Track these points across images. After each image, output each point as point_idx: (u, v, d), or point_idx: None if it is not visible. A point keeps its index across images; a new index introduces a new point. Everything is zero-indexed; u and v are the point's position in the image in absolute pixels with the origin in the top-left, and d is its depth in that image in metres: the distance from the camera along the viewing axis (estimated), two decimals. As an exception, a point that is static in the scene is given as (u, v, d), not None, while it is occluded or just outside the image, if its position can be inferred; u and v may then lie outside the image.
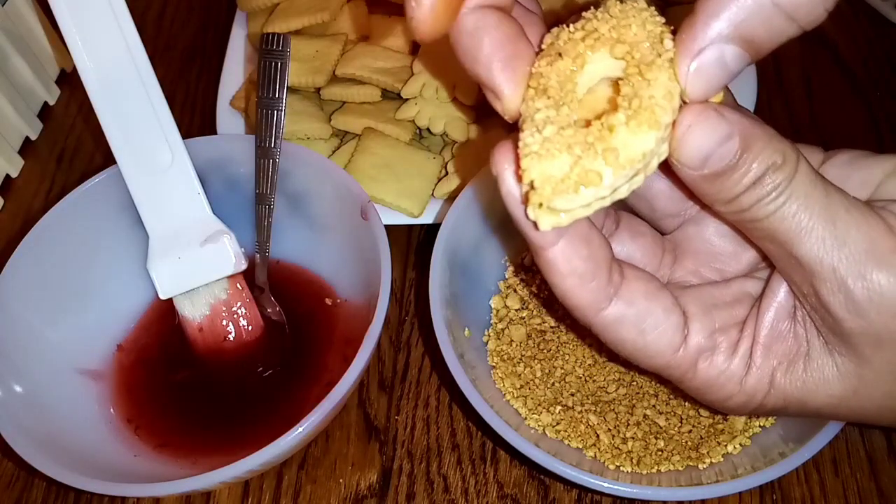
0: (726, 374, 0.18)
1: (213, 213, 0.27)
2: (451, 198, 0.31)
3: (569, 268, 0.17)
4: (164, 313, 0.29)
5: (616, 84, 0.15)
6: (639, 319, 0.18)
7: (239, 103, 0.34)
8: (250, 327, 0.28)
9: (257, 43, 0.38)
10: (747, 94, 0.34)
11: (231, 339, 0.28)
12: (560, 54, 0.15)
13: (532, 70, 0.16)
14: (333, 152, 0.33)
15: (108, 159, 0.26)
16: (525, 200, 0.15)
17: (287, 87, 0.27)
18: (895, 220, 0.16)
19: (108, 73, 0.25)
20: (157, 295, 0.27)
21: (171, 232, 0.27)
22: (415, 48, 0.35)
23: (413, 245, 0.33)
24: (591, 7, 0.16)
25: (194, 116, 0.38)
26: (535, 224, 0.15)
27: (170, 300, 0.27)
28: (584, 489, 0.26)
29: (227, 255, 0.27)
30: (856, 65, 0.39)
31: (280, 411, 0.27)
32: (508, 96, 0.16)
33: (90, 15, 0.24)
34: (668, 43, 0.15)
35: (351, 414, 0.28)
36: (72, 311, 0.28)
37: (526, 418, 0.25)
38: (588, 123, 0.15)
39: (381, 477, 0.27)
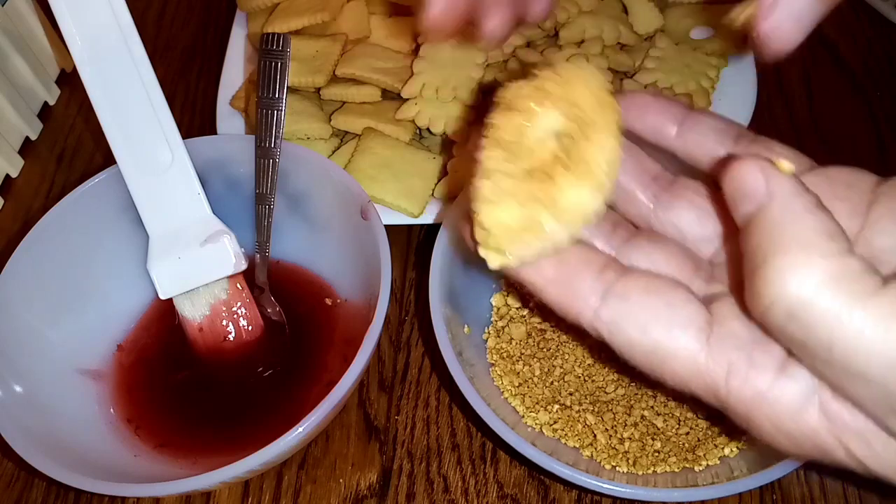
0: (770, 400, 0.14)
1: (213, 213, 0.27)
2: (452, 198, 0.31)
3: (541, 278, 0.16)
4: (164, 313, 0.29)
5: (563, 138, 0.17)
6: (637, 315, 0.15)
7: (239, 103, 0.34)
8: (250, 327, 0.28)
9: (257, 43, 0.38)
10: (747, 95, 0.34)
11: (231, 339, 0.28)
12: (515, 109, 0.17)
13: (488, 122, 0.17)
14: (333, 152, 0.33)
15: (108, 159, 0.26)
16: (478, 241, 0.17)
17: (287, 87, 0.27)
18: None
19: (108, 74, 0.25)
20: (157, 295, 0.27)
21: (171, 232, 0.27)
22: (415, 48, 0.35)
23: (413, 245, 0.33)
24: (542, 65, 0.17)
25: (194, 116, 0.38)
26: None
27: (170, 300, 0.27)
28: (582, 489, 0.26)
29: (227, 256, 0.27)
30: (856, 65, 0.39)
31: (280, 411, 0.27)
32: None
33: (90, 15, 0.24)
34: (610, 103, 0.17)
35: (351, 414, 0.28)
36: (72, 311, 0.28)
37: (523, 416, 0.25)
38: (538, 175, 0.16)
39: (381, 477, 0.27)
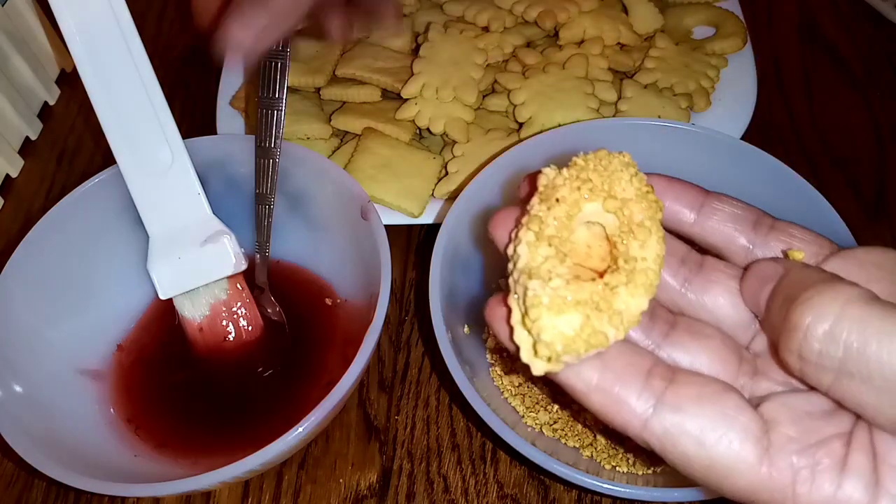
0: (838, 501, 0.14)
1: (213, 214, 0.27)
2: (451, 198, 0.31)
3: (583, 384, 0.15)
4: (164, 313, 0.29)
5: (610, 235, 0.16)
6: (691, 427, 0.14)
7: (239, 103, 0.34)
8: (250, 327, 0.28)
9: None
10: (747, 95, 0.34)
11: (231, 339, 0.28)
12: (557, 200, 0.16)
13: (530, 211, 0.16)
14: (333, 152, 0.33)
15: (108, 159, 0.26)
16: (529, 348, 0.15)
17: (287, 87, 0.27)
18: None
19: (108, 73, 0.25)
20: (157, 295, 0.27)
21: (171, 232, 0.27)
22: (415, 48, 0.35)
23: (413, 245, 0.33)
24: (581, 153, 0.17)
25: (194, 116, 0.38)
26: (527, 366, 0.15)
27: (169, 300, 0.27)
28: (582, 489, 0.26)
29: (227, 256, 0.27)
30: (856, 65, 0.39)
31: (280, 411, 0.27)
32: None
33: (89, 14, 0.24)
34: (652, 198, 0.16)
35: (351, 414, 0.28)
36: (72, 311, 0.28)
37: (523, 416, 0.25)
38: (586, 273, 0.16)
39: (381, 477, 0.27)
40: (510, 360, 0.27)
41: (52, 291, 0.27)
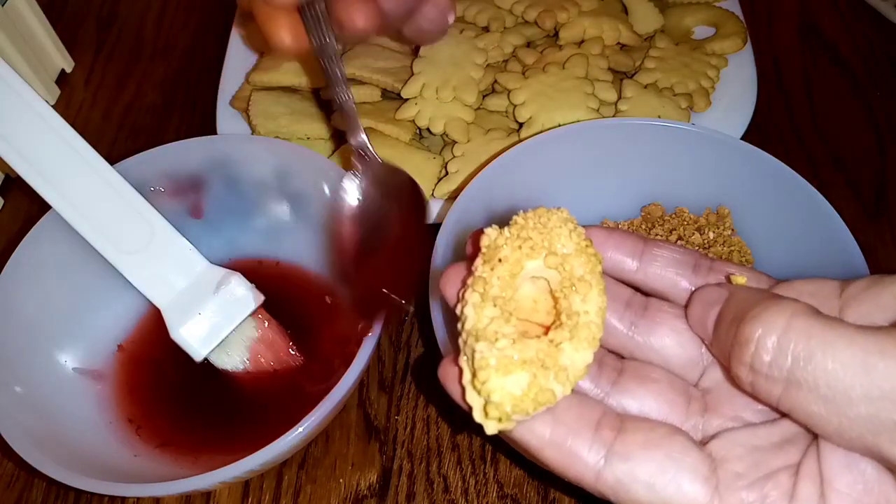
0: None
1: (213, 214, 0.27)
2: (452, 198, 0.31)
3: (536, 439, 0.15)
4: (165, 313, 0.29)
5: (553, 291, 0.17)
6: (641, 474, 0.15)
7: (239, 103, 0.34)
8: (292, 353, 0.27)
9: (258, 42, 0.38)
10: (747, 95, 0.34)
11: (276, 368, 0.27)
12: (500, 260, 0.16)
13: (475, 272, 0.17)
14: (333, 152, 0.33)
15: (107, 158, 0.26)
16: (480, 409, 0.16)
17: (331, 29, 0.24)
18: None
19: (59, 176, 0.25)
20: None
21: (180, 297, 0.26)
22: (415, 48, 0.35)
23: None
24: (521, 211, 0.17)
25: (194, 116, 0.38)
26: (481, 426, 0.16)
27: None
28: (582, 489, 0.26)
29: (244, 292, 0.26)
30: (856, 65, 0.39)
31: (280, 411, 0.26)
32: None
33: (20, 130, 0.24)
34: (592, 251, 0.16)
35: (351, 414, 0.28)
36: (72, 311, 0.28)
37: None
38: (532, 331, 0.16)
39: (381, 477, 0.27)
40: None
41: (52, 291, 0.27)
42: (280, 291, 0.29)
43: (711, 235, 0.28)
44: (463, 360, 0.16)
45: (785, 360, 0.14)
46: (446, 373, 0.17)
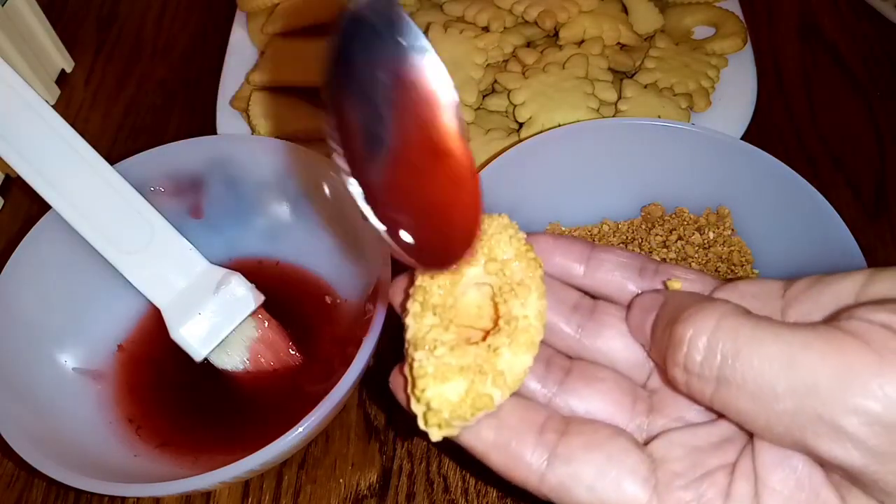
0: None
1: (213, 214, 0.27)
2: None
3: (481, 443, 0.16)
4: (165, 313, 0.29)
5: (492, 298, 0.17)
6: (582, 475, 0.15)
7: (239, 103, 0.34)
8: (291, 352, 0.27)
9: (258, 42, 0.38)
10: (747, 95, 0.34)
11: (275, 367, 0.27)
12: None
13: (416, 282, 0.17)
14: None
15: (107, 158, 0.26)
16: (421, 417, 0.16)
17: None
18: (866, 327, 0.13)
19: (59, 176, 0.24)
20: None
21: (180, 297, 0.26)
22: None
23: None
24: None
25: (194, 116, 0.38)
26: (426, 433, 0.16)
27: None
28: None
29: (244, 292, 0.26)
30: (856, 65, 0.39)
31: (280, 411, 0.26)
32: None
33: (21, 132, 0.24)
34: (532, 257, 0.17)
35: (351, 414, 0.28)
36: (72, 310, 0.28)
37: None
38: (470, 337, 0.16)
39: (381, 477, 0.27)
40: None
41: (51, 291, 0.27)
42: (280, 291, 0.29)
43: (711, 235, 0.28)
44: (406, 369, 0.16)
45: (714, 359, 0.14)
46: (396, 383, 0.17)
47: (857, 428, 0.12)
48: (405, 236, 0.15)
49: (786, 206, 0.27)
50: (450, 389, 0.15)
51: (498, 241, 0.17)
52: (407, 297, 0.17)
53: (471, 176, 0.16)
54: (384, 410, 0.28)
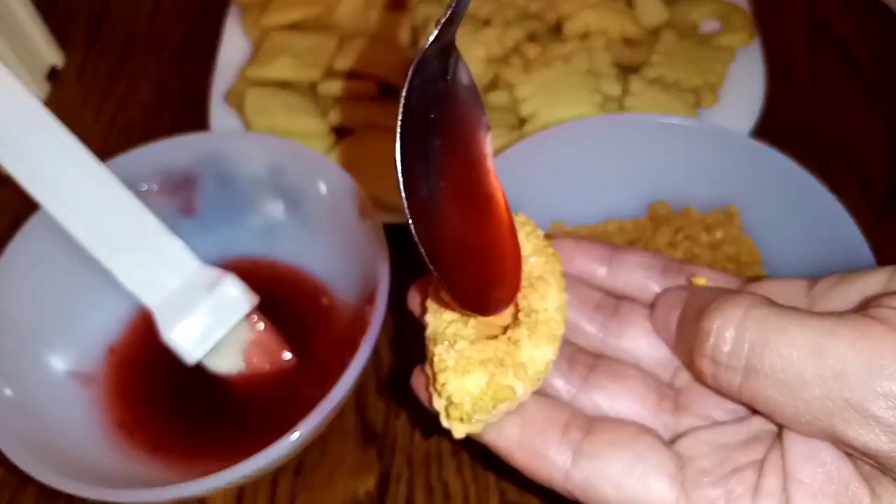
0: None
1: (206, 212, 0.26)
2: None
3: (505, 442, 0.16)
4: (157, 315, 0.28)
5: None
6: (609, 473, 0.15)
7: (233, 99, 0.34)
8: (285, 355, 0.27)
9: (253, 36, 0.37)
10: (755, 91, 0.33)
11: (270, 370, 0.26)
12: None
13: (433, 281, 0.17)
14: (330, 149, 0.32)
15: (98, 155, 0.26)
16: (443, 412, 0.16)
17: None
18: (893, 314, 0.13)
19: (49, 174, 0.24)
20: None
21: (172, 297, 0.25)
22: (413, 42, 0.34)
23: (413, 244, 0.32)
24: None
25: (188, 112, 0.38)
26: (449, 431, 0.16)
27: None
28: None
29: (238, 293, 0.26)
30: (866, 61, 0.38)
31: (275, 416, 0.26)
32: None
33: (8, 124, 0.23)
34: (551, 252, 0.17)
35: (348, 418, 0.28)
36: (62, 312, 0.27)
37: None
38: (491, 332, 0.16)
39: (379, 483, 0.26)
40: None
41: (41, 292, 0.27)
42: (275, 292, 0.28)
43: (719, 235, 0.28)
44: (427, 366, 0.16)
45: (742, 349, 0.14)
46: (418, 381, 0.17)
47: (885, 412, 0.13)
48: (460, 285, 0.15)
49: (795, 204, 0.26)
50: (471, 382, 0.15)
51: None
52: (425, 297, 0.17)
53: (510, 227, 0.17)
54: (382, 414, 0.28)
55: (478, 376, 0.15)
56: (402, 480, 0.26)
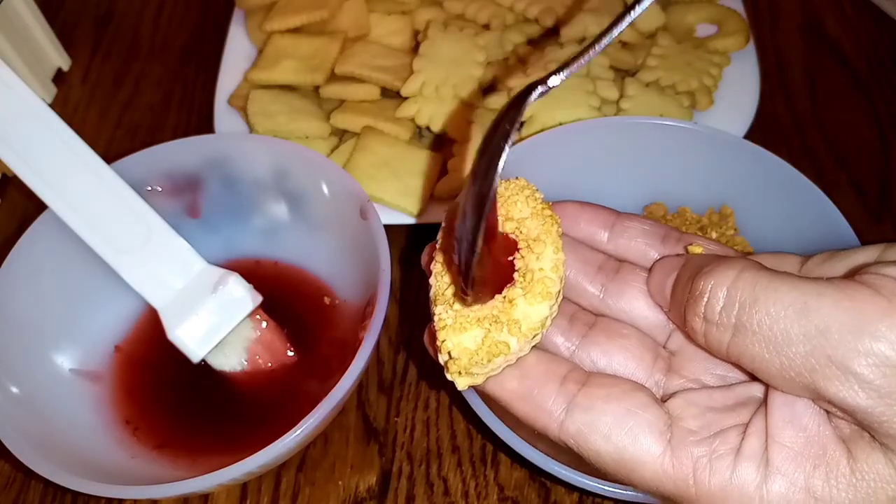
0: (734, 484, 0.15)
1: (211, 214, 0.27)
2: (452, 196, 0.31)
3: (505, 392, 0.16)
4: (162, 314, 0.29)
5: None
6: (600, 425, 0.16)
7: (237, 102, 0.34)
8: (288, 352, 0.27)
9: (256, 39, 0.38)
10: (750, 94, 0.33)
11: (272, 367, 0.27)
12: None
13: (437, 246, 0.18)
14: (332, 151, 0.33)
15: (104, 157, 0.26)
16: (445, 366, 0.17)
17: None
18: (878, 278, 0.14)
19: (56, 176, 0.24)
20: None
21: (177, 296, 0.26)
22: (415, 46, 0.35)
23: (413, 245, 0.33)
24: None
25: (192, 115, 0.38)
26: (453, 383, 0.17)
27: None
28: (584, 492, 0.25)
29: (242, 292, 0.26)
30: (859, 62, 0.39)
31: (278, 413, 0.26)
32: None
33: (16, 126, 0.23)
34: (548, 215, 0.17)
35: (350, 416, 0.28)
36: (69, 311, 0.27)
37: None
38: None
39: (381, 479, 0.27)
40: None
41: (48, 292, 0.27)
42: (278, 292, 0.29)
43: (714, 235, 0.28)
44: (433, 326, 0.17)
45: (733, 308, 0.15)
46: (427, 338, 0.18)
47: (865, 369, 0.13)
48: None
49: (789, 205, 0.26)
50: (467, 338, 0.16)
51: (514, 201, 0.18)
52: (431, 260, 0.18)
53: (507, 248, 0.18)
54: (383, 412, 0.28)
55: (474, 333, 0.16)
56: (402, 476, 0.27)
